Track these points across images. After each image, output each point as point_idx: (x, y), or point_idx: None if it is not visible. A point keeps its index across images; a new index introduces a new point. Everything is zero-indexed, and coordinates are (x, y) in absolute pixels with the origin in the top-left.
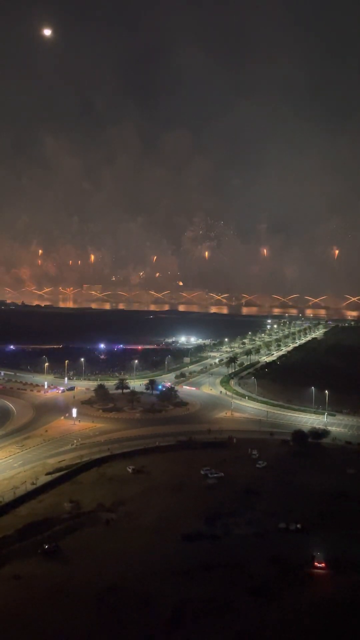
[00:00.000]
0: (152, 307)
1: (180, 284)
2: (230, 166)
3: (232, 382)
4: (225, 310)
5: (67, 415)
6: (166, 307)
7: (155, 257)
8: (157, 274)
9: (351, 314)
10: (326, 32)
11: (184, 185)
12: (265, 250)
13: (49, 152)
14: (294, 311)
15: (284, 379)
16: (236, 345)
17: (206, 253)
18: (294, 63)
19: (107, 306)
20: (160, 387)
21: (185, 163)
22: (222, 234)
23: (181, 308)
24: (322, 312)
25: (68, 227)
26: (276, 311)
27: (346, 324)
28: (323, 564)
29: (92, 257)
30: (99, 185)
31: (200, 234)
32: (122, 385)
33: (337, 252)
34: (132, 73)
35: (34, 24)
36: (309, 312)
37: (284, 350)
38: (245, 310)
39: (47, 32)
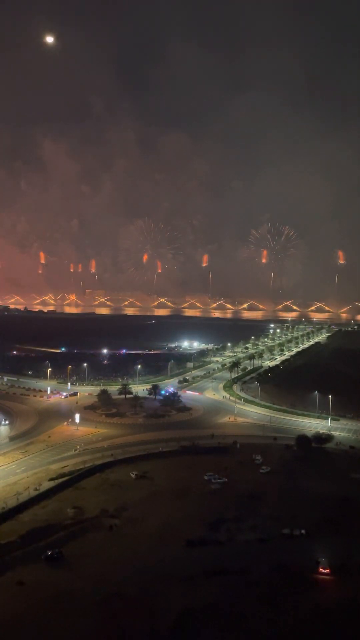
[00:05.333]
0: (155, 312)
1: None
2: (230, 168)
3: (235, 387)
4: (227, 315)
5: (70, 420)
6: (169, 311)
7: (158, 263)
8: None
9: (355, 318)
10: (328, 29)
11: (183, 188)
12: (266, 254)
13: (46, 155)
14: (296, 315)
15: (287, 383)
16: (239, 349)
17: (206, 257)
18: (294, 61)
19: (108, 311)
20: (163, 392)
21: (184, 165)
22: (223, 237)
23: (183, 313)
24: (326, 316)
25: (68, 231)
26: (279, 315)
27: (349, 328)
28: (327, 570)
29: (94, 261)
30: (98, 188)
31: (201, 238)
32: (125, 390)
33: (341, 255)
34: (129, 75)
35: (30, 26)
36: (312, 316)
37: (287, 354)
38: (247, 315)
39: (44, 34)
